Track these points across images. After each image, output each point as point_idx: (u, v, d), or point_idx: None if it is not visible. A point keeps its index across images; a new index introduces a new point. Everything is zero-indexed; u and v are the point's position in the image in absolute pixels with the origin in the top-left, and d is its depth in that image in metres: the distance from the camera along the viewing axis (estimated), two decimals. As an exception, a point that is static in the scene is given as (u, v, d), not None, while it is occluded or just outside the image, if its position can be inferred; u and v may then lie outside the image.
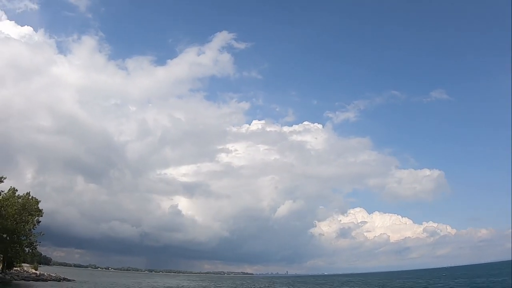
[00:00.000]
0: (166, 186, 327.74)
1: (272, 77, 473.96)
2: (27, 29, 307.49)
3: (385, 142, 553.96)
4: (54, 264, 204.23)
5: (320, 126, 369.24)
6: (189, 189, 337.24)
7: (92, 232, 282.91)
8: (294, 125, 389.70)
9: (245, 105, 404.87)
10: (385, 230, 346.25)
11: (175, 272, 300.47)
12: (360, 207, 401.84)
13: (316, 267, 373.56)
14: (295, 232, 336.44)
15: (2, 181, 61.50)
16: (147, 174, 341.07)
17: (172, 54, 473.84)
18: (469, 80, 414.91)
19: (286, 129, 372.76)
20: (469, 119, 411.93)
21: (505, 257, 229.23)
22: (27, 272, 74.96)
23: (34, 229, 64.06)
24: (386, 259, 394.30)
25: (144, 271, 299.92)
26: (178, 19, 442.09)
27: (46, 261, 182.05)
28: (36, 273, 76.09)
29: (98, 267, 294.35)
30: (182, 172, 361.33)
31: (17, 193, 64.11)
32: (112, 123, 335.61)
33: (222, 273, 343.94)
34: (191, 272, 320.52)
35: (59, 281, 74.51)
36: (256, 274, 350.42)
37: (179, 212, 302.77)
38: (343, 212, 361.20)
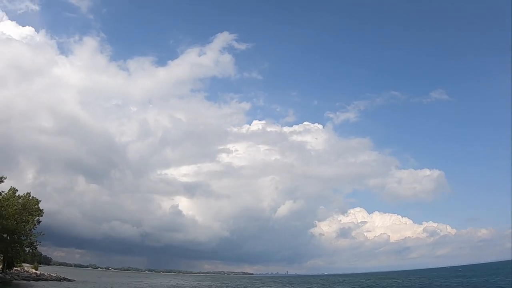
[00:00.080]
0: (166, 187, 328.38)
1: (273, 77, 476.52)
2: (29, 30, 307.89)
3: (385, 143, 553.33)
4: (54, 264, 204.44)
5: (320, 126, 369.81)
6: (190, 189, 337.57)
7: (93, 232, 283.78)
8: (294, 126, 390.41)
9: (246, 106, 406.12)
10: (385, 230, 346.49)
11: (175, 272, 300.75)
12: (360, 207, 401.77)
13: (316, 267, 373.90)
14: (295, 232, 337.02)
15: (2, 181, 61.72)
16: (148, 174, 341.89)
17: (173, 55, 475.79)
18: (469, 80, 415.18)
19: (286, 129, 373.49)
20: (469, 119, 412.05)
21: (505, 257, 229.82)
22: (27, 272, 75.06)
23: (34, 229, 64.30)
24: (386, 259, 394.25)
25: (145, 271, 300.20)
26: (180, 20, 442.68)
27: (47, 261, 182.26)
28: (36, 273, 76.24)
29: (99, 267, 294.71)
30: (182, 172, 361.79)
31: (17, 193, 64.39)
32: (113, 124, 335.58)
33: (222, 273, 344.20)
34: (191, 272, 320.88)
35: (59, 281, 74.70)
36: (256, 274, 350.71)
37: (179, 212, 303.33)
38: (343, 212, 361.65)
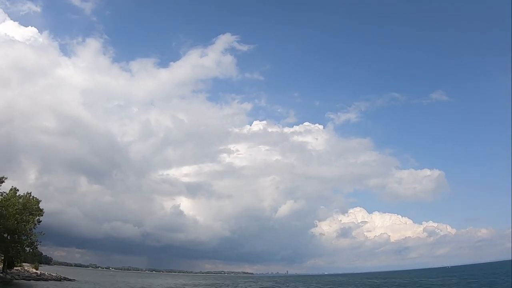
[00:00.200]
0: (168, 187, 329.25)
1: (274, 78, 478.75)
2: (32, 32, 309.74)
3: (385, 143, 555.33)
4: (54, 264, 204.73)
5: (321, 127, 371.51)
6: (191, 190, 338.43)
7: (95, 232, 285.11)
8: (295, 126, 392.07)
9: (248, 106, 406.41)
10: (385, 230, 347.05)
11: (175, 272, 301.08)
12: (361, 207, 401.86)
13: (317, 267, 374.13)
14: (295, 232, 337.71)
15: (3, 181, 61.83)
16: (150, 174, 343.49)
17: (176, 56, 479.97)
18: (469, 80, 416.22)
19: (287, 129, 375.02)
20: (469, 119, 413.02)
21: (505, 256, 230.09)
22: (27, 271, 75.25)
23: (34, 228, 64.42)
24: (386, 259, 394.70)
25: (145, 270, 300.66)
26: (182, 22, 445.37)
27: (47, 261, 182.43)
28: (36, 273, 76.46)
29: (99, 267, 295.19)
30: (184, 173, 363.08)
31: (18, 193, 64.46)
32: (115, 124, 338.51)
33: (223, 272, 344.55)
34: (191, 272, 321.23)
35: (59, 280, 74.88)
36: (257, 273, 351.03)
37: (181, 212, 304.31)
38: (344, 212, 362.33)
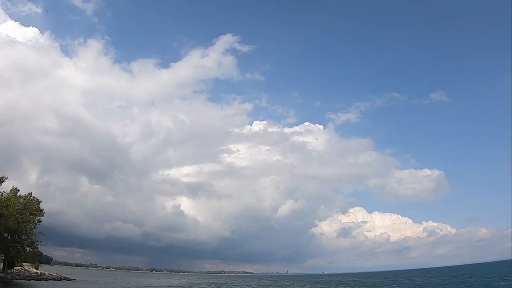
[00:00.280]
0: (169, 187, 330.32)
1: (275, 79, 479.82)
2: (33, 33, 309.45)
3: (386, 143, 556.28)
4: (55, 264, 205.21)
5: (321, 127, 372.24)
6: (192, 190, 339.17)
7: (96, 232, 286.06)
8: (295, 126, 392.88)
9: (248, 106, 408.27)
10: (385, 230, 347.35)
11: (175, 272, 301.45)
12: (361, 207, 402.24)
13: (317, 267, 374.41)
14: (296, 231, 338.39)
15: (3, 181, 62.25)
16: (151, 175, 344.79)
17: (177, 57, 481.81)
18: (468, 80, 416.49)
19: (287, 130, 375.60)
20: (469, 119, 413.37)
21: (505, 256, 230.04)
22: (28, 271, 75.53)
23: (35, 228, 64.78)
24: (386, 259, 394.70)
25: (145, 270, 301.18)
26: (183, 23, 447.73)
27: (47, 261, 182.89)
28: (37, 273, 76.79)
29: (99, 267, 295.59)
30: (184, 173, 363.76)
31: (19, 193, 64.88)
32: (116, 125, 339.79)
33: (223, 272, 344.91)
34: (191, 272, 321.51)
35: (60, 280, 75.17)
36: (257, 273, 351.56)
37: (181, 212, 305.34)
38: (344, 212, 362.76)
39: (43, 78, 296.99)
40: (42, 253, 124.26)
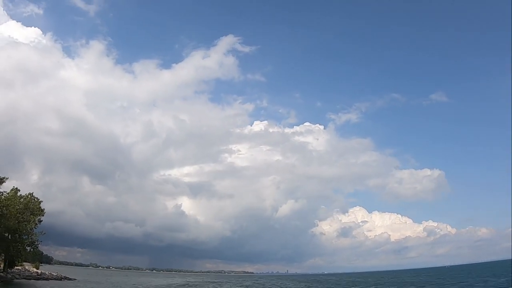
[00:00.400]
0: (170, 187, 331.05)
1: (276, 79, 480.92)
2: (36, 33, 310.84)
3: (386, 143, 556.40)
4: (55, 263, 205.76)
5: (321, 127, 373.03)
6: (192, 190, 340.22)
7: (97, 232, 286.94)
8: (295, 127, 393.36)
9: (249, 107, 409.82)
10: (385, 229, 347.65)
11: (176, 271, 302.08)
12: (361, 206, 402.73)
13: (317, 266, 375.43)
14: (296, 231, 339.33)
15: (4, 181, 62.79)
16: (152, 175, 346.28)
17: (178, 58, 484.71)
18: (468, 80, 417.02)
19: (288, 130, 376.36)
20: (469, 119, 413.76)
21: (505, 256, 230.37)
22: (28, 271, 75.81)
23: (35, 228, 65.22)
24: (386, 258, 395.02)
25: (146, 270, 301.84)
26: (185, 24, 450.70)
27: (48, 260, 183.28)
28: (37, 272, 77.06)
29: (99, 266, 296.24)
30: (185, 173, 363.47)
31: (20, 193, 65.38)
32: (118, 125, 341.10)
33: (223, 271, 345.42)
34: (192, 271, 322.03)
35: (60, 280, 75.54)
36: (257, 273, 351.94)
37: (182, 212, 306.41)
38: (344, 211, 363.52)
39: (45, 78, 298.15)
40: (42, 253, 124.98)
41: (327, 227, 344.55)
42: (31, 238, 65.26)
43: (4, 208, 60.13)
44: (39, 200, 67.26)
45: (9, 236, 62.53)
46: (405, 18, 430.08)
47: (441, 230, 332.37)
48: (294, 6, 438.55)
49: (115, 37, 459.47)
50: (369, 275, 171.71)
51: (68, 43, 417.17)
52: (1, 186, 62.52)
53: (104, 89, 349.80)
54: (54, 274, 79.54)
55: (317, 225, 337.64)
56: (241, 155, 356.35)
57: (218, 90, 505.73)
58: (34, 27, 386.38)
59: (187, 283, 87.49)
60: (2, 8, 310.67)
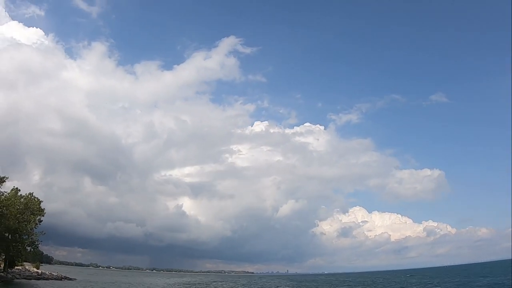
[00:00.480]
0: (171, 187, 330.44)
1: (277, 80, 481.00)
2: (38, 35, 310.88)
3: (386, 144, 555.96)
4: (55, 263, 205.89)
5: (322, 127, 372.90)
6: (193, 190, 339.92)
7: (98, 232, 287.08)
8: (296, 127, 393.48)
9: (250, 108, 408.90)
10: (385, 229, 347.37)
11: (176, 271, 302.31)
12: (361, 206, 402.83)
13: (317, 266, 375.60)
14: (296, 231, 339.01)
15: (4, 181, 62.83)
16: (153, 175, 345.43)
17: (180, 59, 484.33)
18: (468, 80, 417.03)
19: (288, 130, 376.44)
20: (469, 120, 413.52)
21: (505, 256, 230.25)
22: (28, 271, 76.02)
23: (36, 228, 65.31)
24: (386, 258, 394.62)
25: (146, 270, 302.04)
26: (187, 25, 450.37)
27: (48, 260, 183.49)
28: (37, 272, 77.26)
29: (100, 266, 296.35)
30: (186, 173, 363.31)
31: (20, 194, 65.44)
32: (120, 126, 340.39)
33: (223, 271, 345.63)
34: (192, 271, 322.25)
35: (60, 279, 75.68)
36: (257, 272, 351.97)
37: (183, 213, 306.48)
38: (345, 211, 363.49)
39: (47, 79, 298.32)
40: (42, 253, 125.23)
41: (328, 227, 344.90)
42: (31, 238, 65.35)
43: (4, 208, 60.21)
44: (39, 200, 67.32)
45: (9, 236, 62.60)
46: (405, 18, 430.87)
47: (441, 230, 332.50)
48: (295, 7, 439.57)
49: (117, 38, 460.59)
50: (369, 275, 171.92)
51: (70, 45, 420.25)
52: (2, 186, 62.64)
53: (106, 90, 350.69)
54: (55, 274, 79.70)
55: (318, 225, 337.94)
56: (242, 155, 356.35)
57: (219, 91, 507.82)
58: (36, 28, 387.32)
59: (187, 283, 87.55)
60: (4, 9, 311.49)
